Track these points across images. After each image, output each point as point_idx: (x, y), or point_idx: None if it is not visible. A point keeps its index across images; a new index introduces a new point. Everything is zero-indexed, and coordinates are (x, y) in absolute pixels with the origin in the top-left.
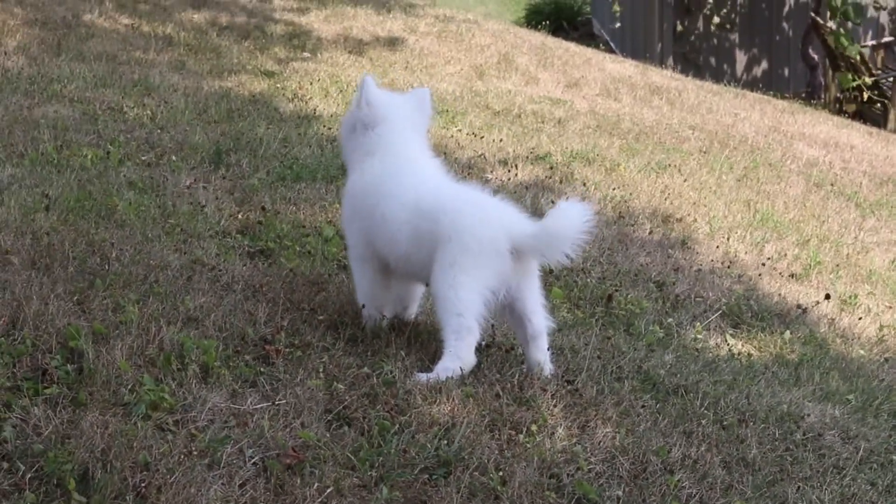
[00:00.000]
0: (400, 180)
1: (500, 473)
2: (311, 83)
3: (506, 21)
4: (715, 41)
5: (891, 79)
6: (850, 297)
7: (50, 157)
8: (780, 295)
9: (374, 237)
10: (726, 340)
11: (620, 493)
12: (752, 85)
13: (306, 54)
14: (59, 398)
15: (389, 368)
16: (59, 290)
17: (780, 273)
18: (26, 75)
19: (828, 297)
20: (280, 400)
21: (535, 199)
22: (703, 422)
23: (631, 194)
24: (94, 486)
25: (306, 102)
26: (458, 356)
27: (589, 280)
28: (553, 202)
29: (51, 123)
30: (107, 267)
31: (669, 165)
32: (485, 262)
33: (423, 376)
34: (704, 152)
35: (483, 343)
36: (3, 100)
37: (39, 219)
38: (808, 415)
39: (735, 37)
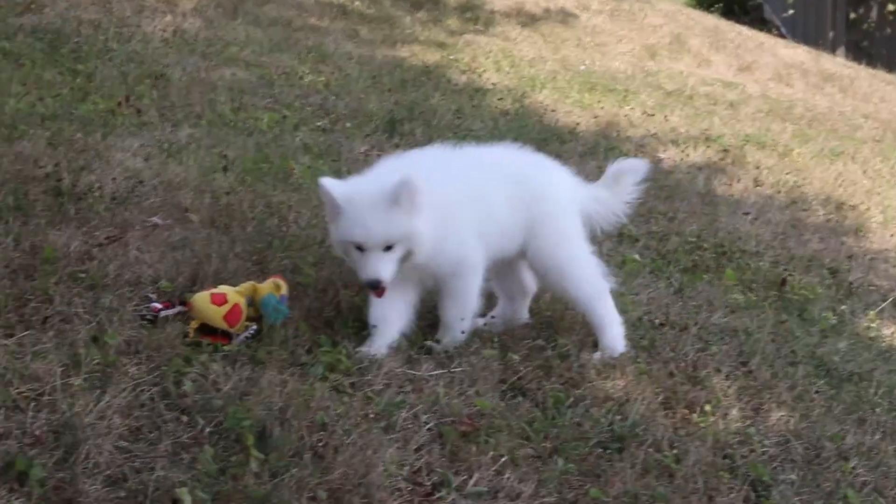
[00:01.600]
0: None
1: (675, 451)
2: (485, 56)
3: (677, 2)
4: (888, 30)
5: None
6: None
7: (227, 119)
8: None
9: (486, 227)
10: None
11: (794, 477)
12: None
13: (478, 27)
14: (238, 355)
15: (563, 342)
16: (238, 249)
17: None
18: (203, 38)
19: None
20: (455, 367)
21: (707, 180)
22: (878, 410)
23: (804, 180)
24: (271, 443)
25: (479, 75)
26: (615, 319)
27: (762, 264)
28: (727, 184)
29: (227, 86)
30: (285, 229)
31: (843, 153)
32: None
33: (598, 355)
34: (878, 141)
35: (657, 321)
36: (181, 61)
37: (218, 179)
38: None
39: None
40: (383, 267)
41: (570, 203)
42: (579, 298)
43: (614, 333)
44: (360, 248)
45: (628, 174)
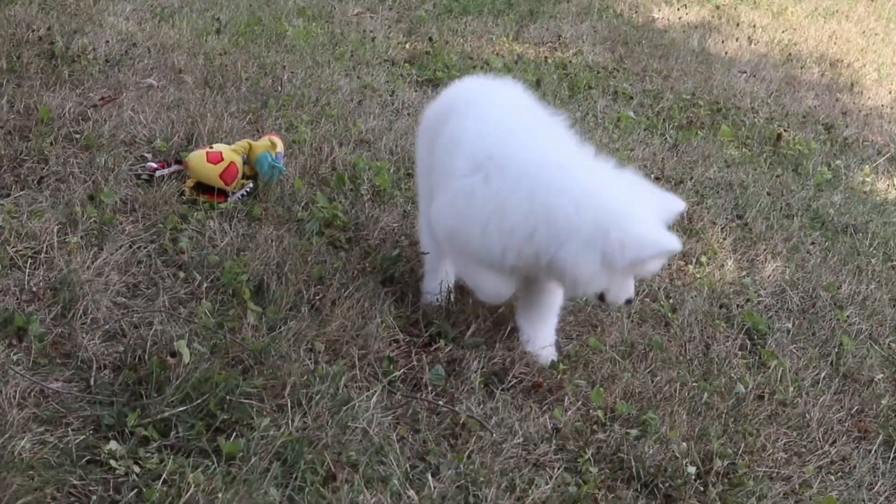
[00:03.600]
0: None
1: (671, 301)
2: None
3: None
4: None
5: None
6: None
7: None
8: None
9: None
10: (894, 184)
11: (790, 325)
12: None
13: None
14: (234, 212)
15: None
16: (233, 108)
17: None
18: None
19: None
20: None
21: (702, 39)
22: (873, 261)
23: (799, 38)
24: (268, 297)
25: None
26: None
27: (757, 119)
28: (722, 43)
29: None
30: (279, 89)
31: (837, 11)
32: None
33: None
34: (873, 0)
35: (653, 176)
36: None
37: (211, 41)
38: None
39: None
40: None
41: None
42: None
43: None
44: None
45: None
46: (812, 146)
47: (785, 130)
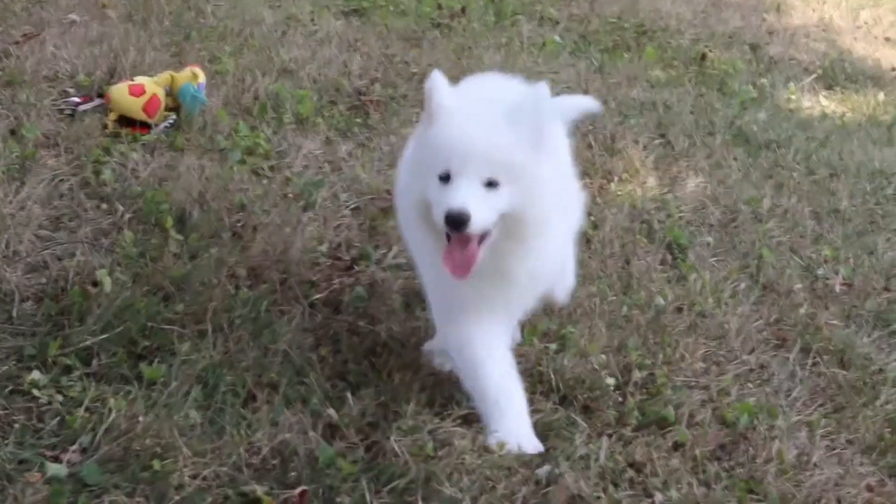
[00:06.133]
0: None
1: (592, 218)
2: None
3: None
4: None
5: None
6: None
7: None
8: (874, 59)
9: None
10: (819, 101)
11: (711, 239)
12: None
13: None
14: (157, 144)
15: None
16: (156, 42)
17: (875, 37)
18: None
19: None
20: (374, 147)
21: None
22: (795, 175)
23: None
24: (190, 225)
25: None
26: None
27: (682, 41)
28: None
29: None
30: (202, 21)
31: None
32: None
33: None
34: None
35: None
36: None
37: None
38: None
39: None
40: (475, 202)
41: None
42: None
43: None
44: (446, 179)
45: None
46: (737, 66)
47: (710, 51)
